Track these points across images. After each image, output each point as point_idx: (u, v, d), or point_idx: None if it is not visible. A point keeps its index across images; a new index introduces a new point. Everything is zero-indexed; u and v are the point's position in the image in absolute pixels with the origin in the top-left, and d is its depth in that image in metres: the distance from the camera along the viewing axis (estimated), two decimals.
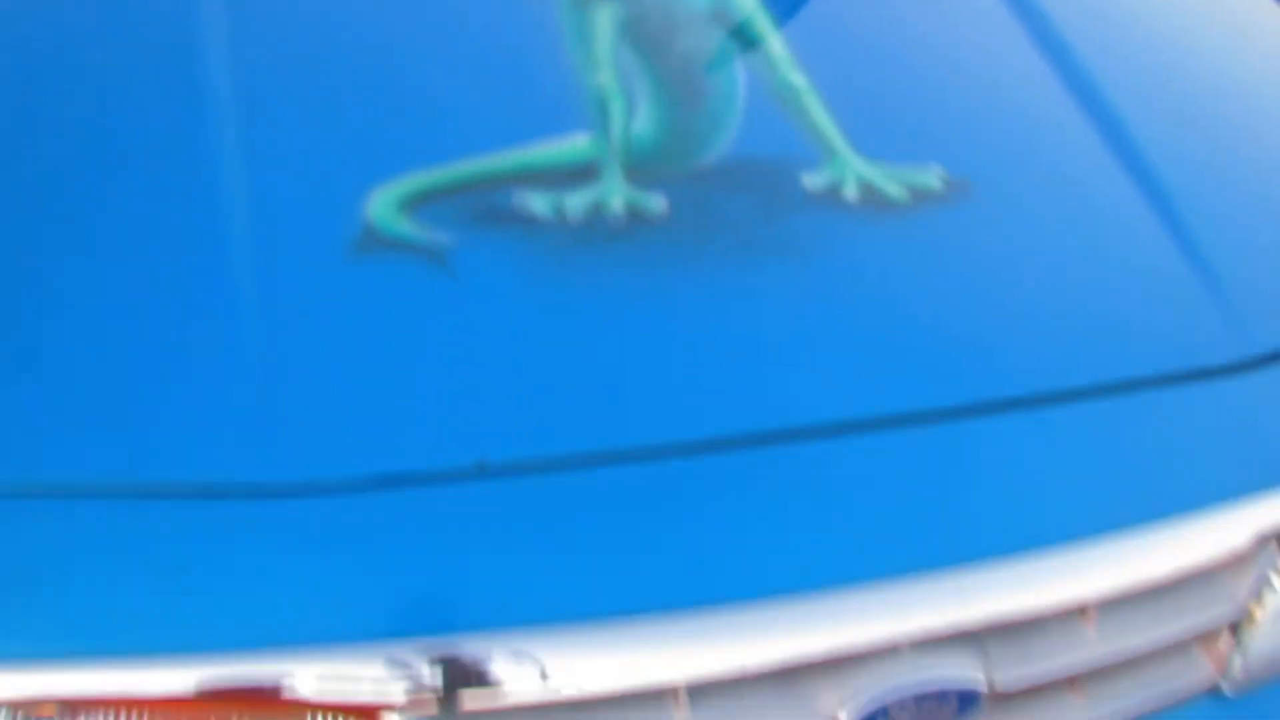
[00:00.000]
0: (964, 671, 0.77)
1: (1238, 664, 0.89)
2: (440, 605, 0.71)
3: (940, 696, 0.77)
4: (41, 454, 0.71)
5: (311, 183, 0.87)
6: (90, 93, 0.91)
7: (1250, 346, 0.92)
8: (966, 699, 0.78)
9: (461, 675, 0.69)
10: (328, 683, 0.67)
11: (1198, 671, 0.88)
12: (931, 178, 0.97)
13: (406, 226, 0.85)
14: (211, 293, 0.79)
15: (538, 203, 0.88)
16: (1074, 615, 0.82)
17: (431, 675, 0.68)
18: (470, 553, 0.72)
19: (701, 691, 0.74)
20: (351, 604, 0.70)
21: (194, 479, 0.72)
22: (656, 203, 0.90)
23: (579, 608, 0.72)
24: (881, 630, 0.76)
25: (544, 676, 0.69)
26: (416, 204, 0.87)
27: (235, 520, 0.71)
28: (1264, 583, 0.88)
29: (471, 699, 0.69)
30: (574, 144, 0.94)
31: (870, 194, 0.94)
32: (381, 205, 0.86)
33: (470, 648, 0.69)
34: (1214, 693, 0.89)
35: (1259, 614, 0.88)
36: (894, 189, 0.95)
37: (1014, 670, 0.80)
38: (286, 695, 0.66)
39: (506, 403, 0.77)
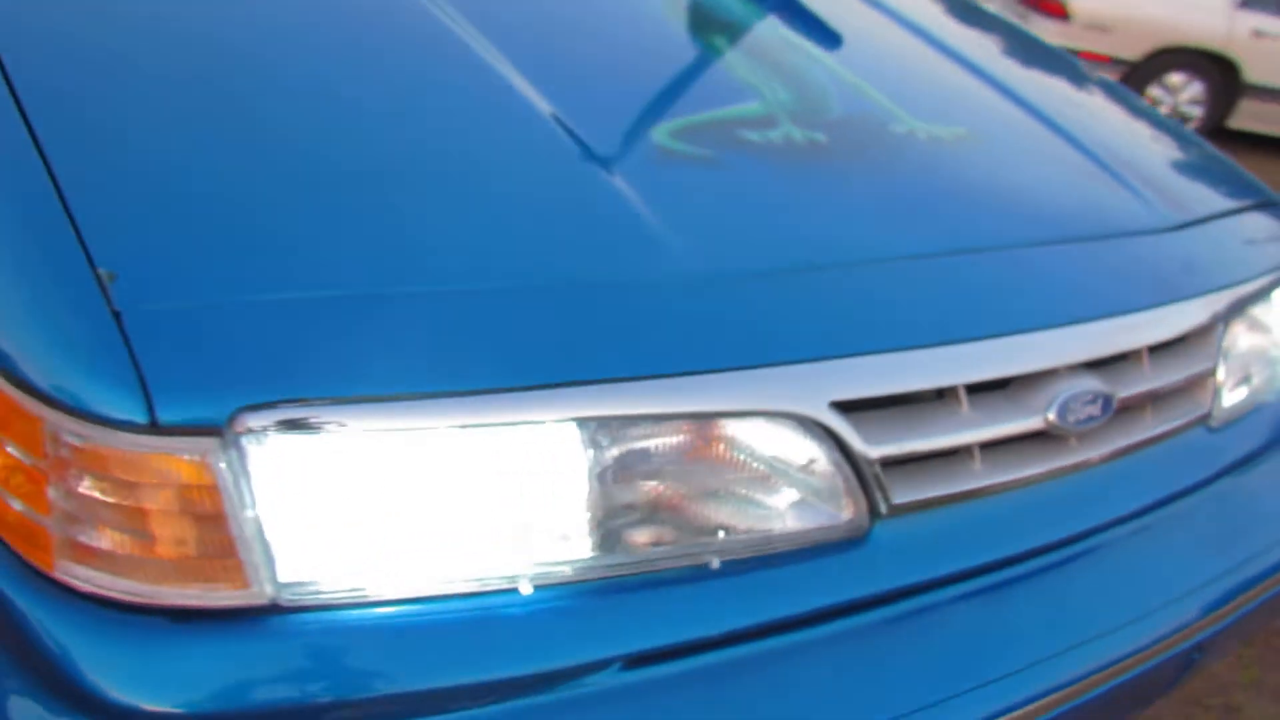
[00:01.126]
0: (1102, 385, 1.20)
1: (1215, 404, 1.38)
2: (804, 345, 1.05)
3: (1093, 400, 1.19)
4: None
5: (617, 127, 1.22)
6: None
7: (1169, 220, 1.46)
8: (1106, 403, 1.20)
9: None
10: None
11: (1198, 406, 1.36)
12: (961, 130, 1.46)
13: (680, 146, 1.22)
14: (591, 183, 1.12)
15: (751, 135, 1.28)
16: (1135, 358, 1.27)
17: None
18: (816, 318, 1.07)
19: (972, 396, 1.12)
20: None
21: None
22: (820, 137, 1.33)
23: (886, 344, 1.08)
24: (1056, 357, 1.18)
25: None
26: (678, 135, 1.24)
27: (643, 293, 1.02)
28: (1220, 347, 1.38)
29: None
30: (753, 106, 1.35)
31: (931, 137, 1.42)
32: (660, 134, 1.23)
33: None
34: (1206, 423, 1.37)
35: (1220, 369, 1.39)
36: (945, 134, 1.43)
37: (1123, 387, 1.23)
38: None
39: (789, 231, 1.15)
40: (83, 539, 0.84)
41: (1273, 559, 1.34)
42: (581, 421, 0.92)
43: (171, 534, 0.84)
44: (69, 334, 0.85)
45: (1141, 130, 1.81)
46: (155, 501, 0.83)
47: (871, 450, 1.03)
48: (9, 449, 0.87)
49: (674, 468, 0.97)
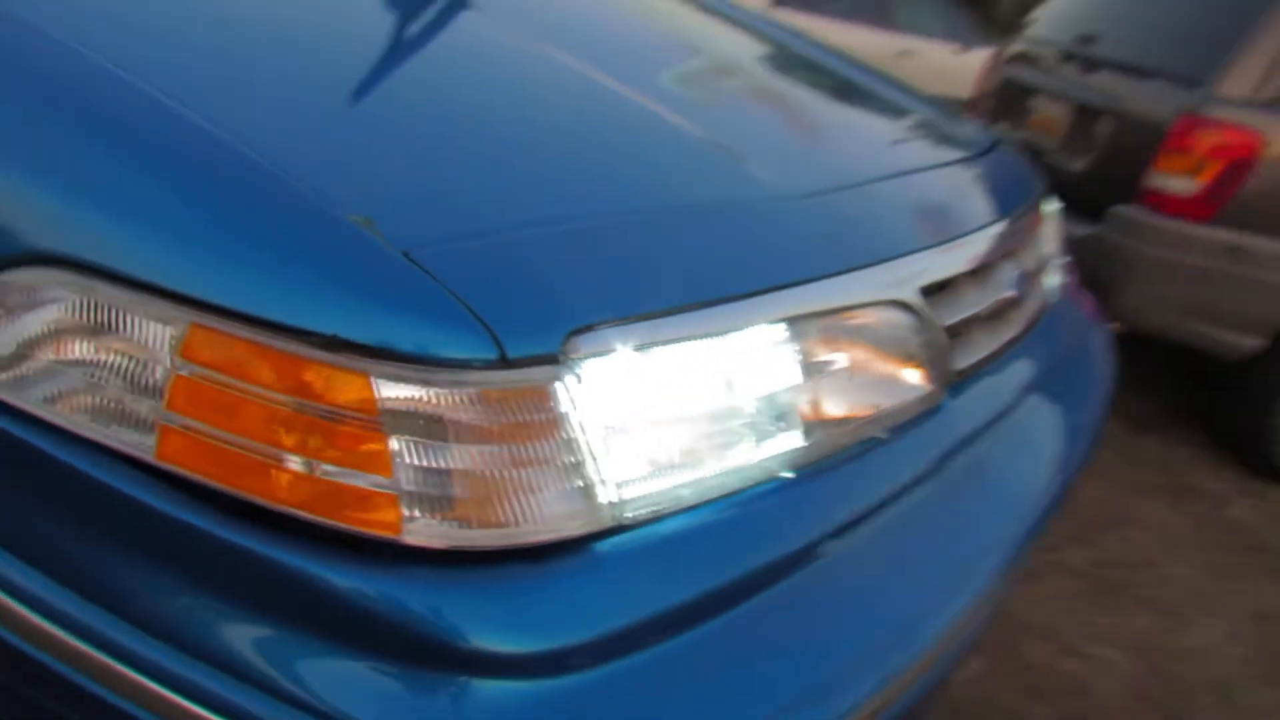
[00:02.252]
0: (1020, 268, 1.49)
1: (1048, 286, 1.74)
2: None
3: (1023, 277, 1.47)
4: None
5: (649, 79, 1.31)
6: None
7: (977, 148, 1.80)
8: (1026, 280, 1.49)
9: None
10: None
11: (1042, 289, 1.71)
12: (829, 83, 1.70)
13: (681, 90, 1.34)
14: (671, 126, 1.20)
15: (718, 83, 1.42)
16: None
17: None
18: None
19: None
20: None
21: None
22: (761, 81, 1.49)
23: None
24: (1005, 245, 1.44)
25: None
26: (676, 81, 1.35)
27: (776, 210, 1.15)
28: (1041, 241, 1.74)
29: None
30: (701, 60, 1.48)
31: (816, 86, 1.64)
32: (667, 81, 1.33)
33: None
34: (1046, 304, 1.73)
35: (1051, 258, 1.75)
36: (823, 84, 1.66)
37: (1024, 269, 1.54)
38: None
39: (807, 156, 1.32)
40: (435, 492, 0.80)
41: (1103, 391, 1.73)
42: (790, 320, 1.02)
43: (525, 470, 0.82)
44: (370, 283, 0.81)
45: (913, 93, 2.15)
46: (509, 439, 0.82)
47: (943, 324, 1.23)
48: (309, 412, 0.80)
49: (842, 355, 1.10)
